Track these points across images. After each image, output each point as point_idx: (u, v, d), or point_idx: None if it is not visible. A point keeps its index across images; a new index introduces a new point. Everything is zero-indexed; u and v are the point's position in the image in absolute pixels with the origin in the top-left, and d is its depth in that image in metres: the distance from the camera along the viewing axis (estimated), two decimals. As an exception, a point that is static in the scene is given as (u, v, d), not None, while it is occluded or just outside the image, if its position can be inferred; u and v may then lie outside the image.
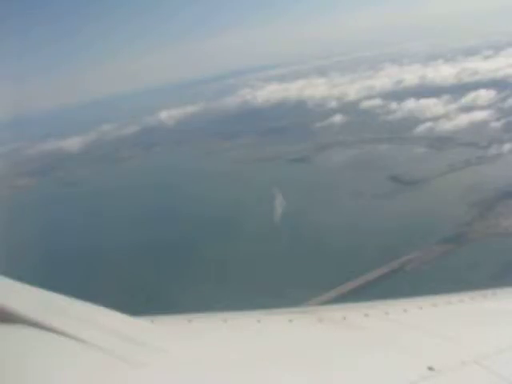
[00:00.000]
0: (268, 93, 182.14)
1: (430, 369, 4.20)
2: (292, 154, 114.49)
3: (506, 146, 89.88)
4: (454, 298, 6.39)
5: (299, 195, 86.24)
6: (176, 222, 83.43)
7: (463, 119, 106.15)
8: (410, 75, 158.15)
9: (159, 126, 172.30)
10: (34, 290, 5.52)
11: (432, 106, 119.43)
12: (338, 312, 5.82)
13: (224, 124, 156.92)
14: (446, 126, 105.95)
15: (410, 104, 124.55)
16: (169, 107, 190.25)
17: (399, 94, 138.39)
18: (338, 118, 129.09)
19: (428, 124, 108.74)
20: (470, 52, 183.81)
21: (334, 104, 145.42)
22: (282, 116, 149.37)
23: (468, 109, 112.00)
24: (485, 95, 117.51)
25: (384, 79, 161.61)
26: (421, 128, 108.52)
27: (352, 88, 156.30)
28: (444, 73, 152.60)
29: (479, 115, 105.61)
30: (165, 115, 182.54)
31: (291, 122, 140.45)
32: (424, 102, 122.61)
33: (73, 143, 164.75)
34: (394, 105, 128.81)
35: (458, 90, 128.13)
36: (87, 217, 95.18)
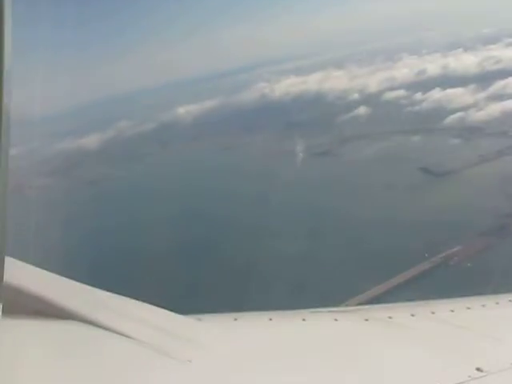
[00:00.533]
0: (286, 86, 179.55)
1: (479, 370, 4.29)
2: (316, 148, 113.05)
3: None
4: (504, 298, 6.33)
5: (330, 189, 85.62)
6: (204, 221, 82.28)
7: (494, 109, 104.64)
8: (432, 65, 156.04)
9: (177, 122, 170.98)
10: (79, 285, 5.64)
11: (459, 95, 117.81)
12: (383, 311, 5.92)
13: (243, 119, 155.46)
14: (477, 115, 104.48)
15: (436, 94, 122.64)
16: (185, 103, 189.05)
17: (423, 84, 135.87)
18: (361, 110, 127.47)
19: (457, 114, 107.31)
20: (490, 40, 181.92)
21: (355, 96, 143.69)
22: (303, 109, 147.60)
23: (498, 98, 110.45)
24: None
25: (404, 70, 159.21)
26: (450, 118, 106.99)
27: (373, 79, 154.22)
28: (466, 62, 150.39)
29: (511, 104, 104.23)
30: (182, 111, 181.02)
31: (312, 116, 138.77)
32: (450, 91, 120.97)
33: (91, 141, 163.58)
34: (419, 95, 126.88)
35: (483, 78, 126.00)
36: (112, 215, 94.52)
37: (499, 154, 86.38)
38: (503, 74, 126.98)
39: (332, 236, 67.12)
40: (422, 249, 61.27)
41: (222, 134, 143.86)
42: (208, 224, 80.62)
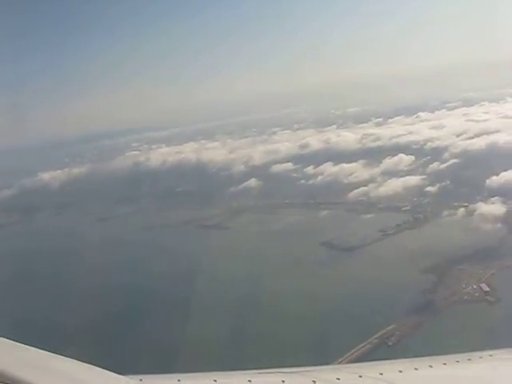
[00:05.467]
0: (160, 155, 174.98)
1: None
2: (203, 220, 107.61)
3: (437, 211, 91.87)
4: (450, 358, 6.40)
5: (225, 265, 78.08)
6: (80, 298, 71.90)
7: (391, 184, 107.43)
8: (313, 139, 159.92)
9: (41, 189, 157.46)
10: (6, 341, 5.31)
11: (352, 170, 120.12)
12: (332, 373, 5.91)
13: (116, 187, 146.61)
14: (374, 190, 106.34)
15: (329, 168, 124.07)
16: (49, 168, 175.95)
17: (309, 158, 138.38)
18: (250, 183, 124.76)
19: (355, 188, 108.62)
20: (358, 119, 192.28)
21: (240, 168, 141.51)
22: (183, 179, 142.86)
23: (392, 173, 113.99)
24: (405, 160, 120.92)
25: (286, 143, 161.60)
26: (347, 192, 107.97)
27: (255, 152, 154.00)
28: (346, 138, 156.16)
29: (408, 180, 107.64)
30: (47, 177, 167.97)
31: (194, 186, 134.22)
32: (343, 166, 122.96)
33: None
34: (310, 169, 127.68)
35: (370, 155, 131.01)
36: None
37: (399, 229, 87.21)
38: (382, 150, 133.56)
39: (242, 320, 60.07)
40: (350, 330, 57.69)
41: (96, 202, 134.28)
42: (82, 299, 70.80)
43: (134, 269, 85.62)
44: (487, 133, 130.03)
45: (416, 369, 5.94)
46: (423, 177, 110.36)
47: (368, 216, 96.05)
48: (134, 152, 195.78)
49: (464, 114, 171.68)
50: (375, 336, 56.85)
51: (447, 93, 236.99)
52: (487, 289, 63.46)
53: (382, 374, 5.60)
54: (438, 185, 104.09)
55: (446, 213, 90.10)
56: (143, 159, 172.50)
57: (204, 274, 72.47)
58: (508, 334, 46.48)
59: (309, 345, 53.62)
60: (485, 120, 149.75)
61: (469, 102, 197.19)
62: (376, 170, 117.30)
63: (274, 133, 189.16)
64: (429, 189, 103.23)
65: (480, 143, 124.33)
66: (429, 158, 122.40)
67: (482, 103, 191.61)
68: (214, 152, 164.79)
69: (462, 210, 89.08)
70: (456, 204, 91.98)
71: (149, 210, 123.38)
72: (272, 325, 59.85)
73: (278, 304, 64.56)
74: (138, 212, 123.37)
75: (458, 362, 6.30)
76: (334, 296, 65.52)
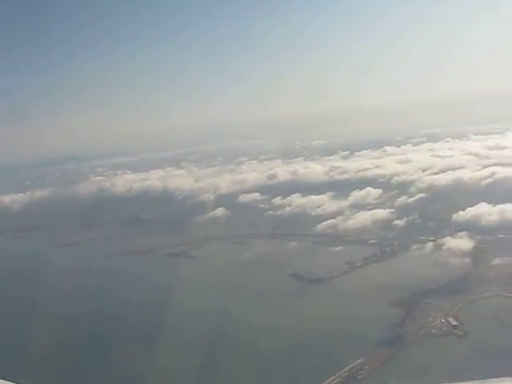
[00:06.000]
0: (126, 181, 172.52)
1: None
2: (168, 248, 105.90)
3: (404, 244, 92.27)
4: None
5: (190, 294, 76.27)
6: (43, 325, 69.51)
7: (360, 217, 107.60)
8: (280, 170, 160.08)
9: (1, 211, 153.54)
10: None
11: (320, 202, 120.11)
12: None
13: (80, 212, 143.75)
14: (343, 223, 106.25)
15: (297, 200, 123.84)
16: (8, 191, 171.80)
17: (276, 188, 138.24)
18: (217, 212, 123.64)
19: (323, 221, 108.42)
20: (324, 151, 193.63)
21: (207, 196, 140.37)
22: (149, 206, 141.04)
23: (360, 206, 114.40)
24: (373, 193, 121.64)
25: (253, 173, 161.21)
26: (315, 224, 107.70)
27: (222, 181, 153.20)
28: (313, 170, 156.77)
29: (376, 213, 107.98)
30: (7, 199, 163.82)
31: (160, 214, 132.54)
32: (311, 197, 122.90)
33: None
34: (277, 200, 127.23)
35: (336, 187, 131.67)
36: None
37: (365, 262, 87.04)
38: (350, 183, 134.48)
39: (209, 350, 58.46)
40: (319, 362, 56.70)
41: (59, 226, 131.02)
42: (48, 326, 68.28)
43: (97, 295, 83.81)
44: (452, 168, 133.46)
45: None
46: (391, 210, 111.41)
47: (336, 248, 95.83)
48: (99, 177, 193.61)
49: (429, 150, 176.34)
50: (344, 370, 55.93)
51: (412, 128, 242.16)
52: (455, 323, 63.18)
53: None
54: (405, 218, 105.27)
55: (414, 247, 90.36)
56: (108, 185, 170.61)
57: (168, 303, 70.89)
58: (477, 367, 46.48)
59: (276, 380, 52.97)
60: (450, 156, 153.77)
61: (433, 138, 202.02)
62: (344, 203, 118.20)
63: (241, 162, 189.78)
64: (397, 222, 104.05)
65: (446, 178, 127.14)
66: (396, 191, 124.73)
67: (447, 139, 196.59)
68: (181, 180, 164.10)
69: (430, 243, 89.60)
70: (423, 238, 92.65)
71: (113, 236, 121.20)
72: (239, 358, 58.70)
73: (245, 336, 63.41)
74: (102, 238, 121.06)
75: None
76: (301, 328, 64.49)
